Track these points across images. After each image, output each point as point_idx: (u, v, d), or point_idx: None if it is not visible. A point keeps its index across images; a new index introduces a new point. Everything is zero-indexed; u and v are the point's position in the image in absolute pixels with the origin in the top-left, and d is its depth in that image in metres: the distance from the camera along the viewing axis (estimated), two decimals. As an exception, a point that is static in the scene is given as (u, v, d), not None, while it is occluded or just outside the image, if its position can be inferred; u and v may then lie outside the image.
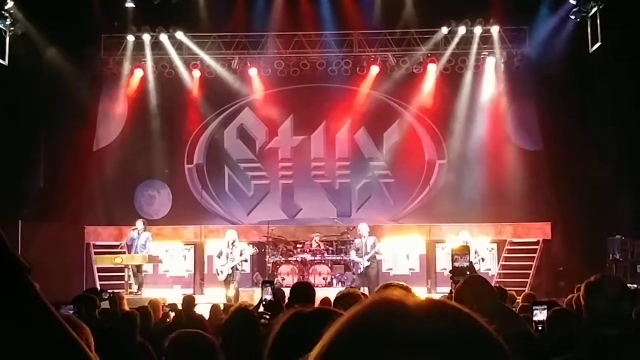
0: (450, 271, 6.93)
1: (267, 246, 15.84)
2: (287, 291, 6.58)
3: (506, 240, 16.62)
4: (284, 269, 15.66)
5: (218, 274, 14.28)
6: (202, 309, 10.06)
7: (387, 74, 17.84)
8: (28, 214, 15.47)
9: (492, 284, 5.44)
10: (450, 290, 6.03)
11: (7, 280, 1.17)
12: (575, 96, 16.48)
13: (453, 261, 6.83)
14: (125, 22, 17.24)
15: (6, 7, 15.70)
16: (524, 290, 12.06)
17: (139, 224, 15.11)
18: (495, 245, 16.70)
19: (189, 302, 9.23)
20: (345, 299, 4.53)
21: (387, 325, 0.90)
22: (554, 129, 16.81)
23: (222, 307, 9.50)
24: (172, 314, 9.41)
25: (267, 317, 5.24)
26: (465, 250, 6.96)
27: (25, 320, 1.21)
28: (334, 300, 5.05)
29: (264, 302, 5.80)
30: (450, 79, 17.83)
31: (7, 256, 1.18)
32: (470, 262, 7.17)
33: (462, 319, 0.92)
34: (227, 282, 14.11)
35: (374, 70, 17.73)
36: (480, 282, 4.36)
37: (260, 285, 6.55)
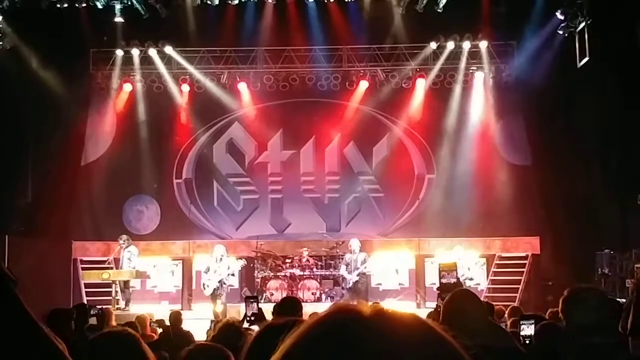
0: (438, 288, 6.86)
1: (255, 261, 15.78)
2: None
3: (495, 254, 16.62)
4: (272, 284, 15.57)
5: (204, 289, 14.12)
6: (190, 325, 10.00)
7: (376, 89, 17.89)
8: (15, 228, 15.40)
9: (481, 299, 5.40)
10: (437, 306, 5.97)
11: None
12: (563, 111, 16.56)
13: (440, 277, 6.75)
14: (114, 36, 17.19)
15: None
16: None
17: (123, 239, 15.03)
18: (484, 260, 16.69)
19: (176, 317, 9.17)
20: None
21: (340, 331, 0.92)
22: (543, 144, 16.88)
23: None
24: (160, 330, 9.34)
25: (252, 332, 5.19)
26: (452, 266, 6.88)
27: (10, 330, 1.22)
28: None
29: (248, 318, 5.75)
30: (439, 93, 17.88)
31: None
32: (458, 279, 7.11)
33: (419, 328, 0.94)
34: (213, 296, 13.89)
35: (363, 85, 17.78)
36: (468, 297, 4.32)
37: (244, 301, 6.50)
